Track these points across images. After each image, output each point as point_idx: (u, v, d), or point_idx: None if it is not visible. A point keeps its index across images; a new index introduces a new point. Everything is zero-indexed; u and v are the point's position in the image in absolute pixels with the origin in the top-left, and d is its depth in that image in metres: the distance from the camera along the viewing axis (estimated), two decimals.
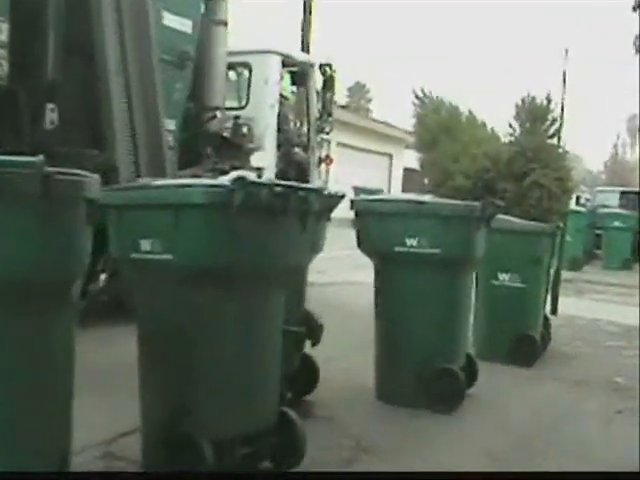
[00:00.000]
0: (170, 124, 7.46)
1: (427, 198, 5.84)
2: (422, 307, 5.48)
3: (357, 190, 21.75)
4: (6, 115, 5.98)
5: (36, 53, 6.25)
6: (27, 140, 6.03)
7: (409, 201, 5.67)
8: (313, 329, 5.07)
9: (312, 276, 5.55)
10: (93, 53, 6.48)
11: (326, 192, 4.18)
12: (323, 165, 12.07)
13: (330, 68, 11.13)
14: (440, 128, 20.73)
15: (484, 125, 21.88)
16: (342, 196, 4.30)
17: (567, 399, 6.09)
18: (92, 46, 6.46)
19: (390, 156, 38.38)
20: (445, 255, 5.38)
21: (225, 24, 8.82)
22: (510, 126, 20.48)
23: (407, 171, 36.83)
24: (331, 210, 4.15)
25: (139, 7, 6.67)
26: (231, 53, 9.17)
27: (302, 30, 19.20)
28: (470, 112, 21.89)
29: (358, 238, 5.68)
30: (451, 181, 19.22)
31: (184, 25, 7.74)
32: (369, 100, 53.43)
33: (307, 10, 19.27)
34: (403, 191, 34.01)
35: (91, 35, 6.43)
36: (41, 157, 2.72)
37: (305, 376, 5.24)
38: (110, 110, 6.40)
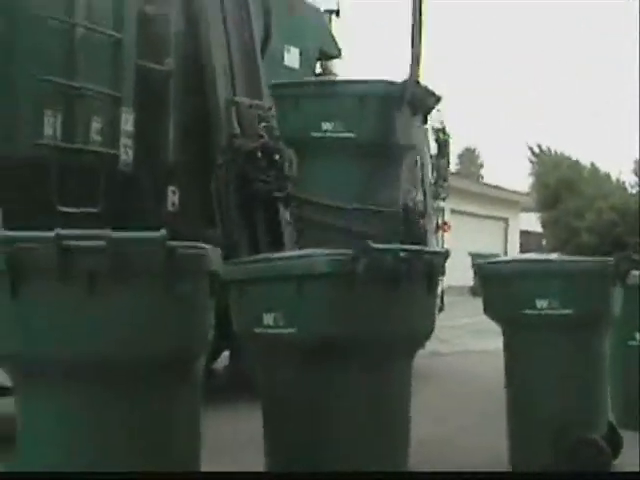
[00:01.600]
0: None
1: (555, 256, 5.64)
2: (556, 372, 5.22)
3: (473, 256, 21.43)
4: (130, 200, 6.15)
5: (158, 139, 6.43)
6: (151, 222, 6.16)
7: (536, 260, 5.48)
8: None
9: (435, 345, 5.41)
10: (210, 134, 6.62)
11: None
12: (440, 232, 11.93)
13: (444, 133, 11.06)
14: (561, 184, 20.04)
15: (608, 177, 21.05)
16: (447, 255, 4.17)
17: None
18: (209, 128, 6.61)
19: (505, 220, 37.82)
20: (578, 315, 5.14)
21: None
22: (636, 174, 19.75)
23: (524, 234, 36.16)
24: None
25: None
26: None
27: None
28: (592, 164, 21.17)
29: (484, 303, 5.51)
30: (576, 239, 18.55)
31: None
32: (480, 166, 53.08)
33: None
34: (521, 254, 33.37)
35: (208, 117, 6.58)
36: (164, 232, 2.73)
37: None
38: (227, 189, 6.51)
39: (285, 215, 6.60)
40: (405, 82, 5.81)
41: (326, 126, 6.14)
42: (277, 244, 6.52)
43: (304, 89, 6.59)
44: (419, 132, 6.47)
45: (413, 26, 6.14)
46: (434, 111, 9.72)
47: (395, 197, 6.58)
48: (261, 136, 6.42)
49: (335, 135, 6.04)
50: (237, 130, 6.52)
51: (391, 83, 6.04)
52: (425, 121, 7.05)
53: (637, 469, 4.02)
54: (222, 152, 6.51)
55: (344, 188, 6.27)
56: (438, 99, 6.94)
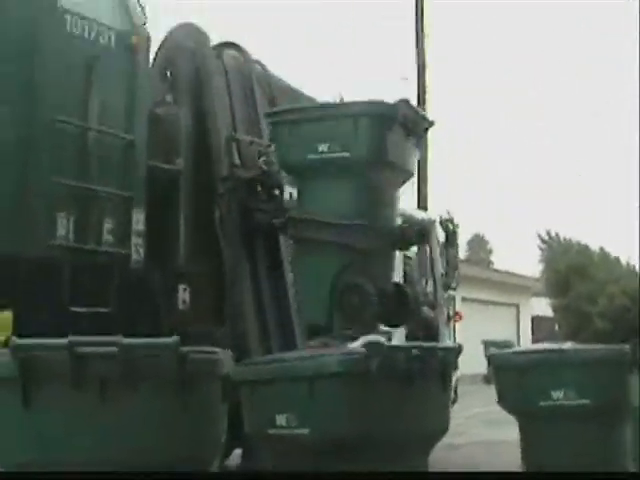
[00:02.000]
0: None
1: (569, 345, 5.61)
2: (575, 463, 5.13)
3: (487, 344, 21.21)
4: (142, 297, 6.17)
5: (169, 237, 6.50)
6: (162, 320, 6.18)
7: (550, 350, 5.45)
8: None
9: (451, 437, 5.32)
10: (219, 231, 6.69)
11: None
12: (451, 322, 11.87)
13: (452, 223, 11.10)
14: (571, 270, 19.93)
15: (618, 261, 20.94)
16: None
17: None
18: (218, 224, 6.68)
19: (516, 306, 37.64)
20: (596, 405, 5.08)
21: None
22: None
23: (536, 319, 35.93)
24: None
25: None
26: None
27: (418, 186, 19.46)
28: (602, 249, 21.11)
29: (498, 395, 5.45)
30: (589, 324, 18.36)
31: None
32: (490, 252, 53.12)
33: (422, 167, 19.55)
34: (533, 341, 33.11)
35: (216, 214, 6.66)
36: (176, 338, 2.74)
37: None
38: (239, 286, 6.53)
39: (284, 245, 6.75)
40: (397, 103, 6.02)
41: (322, 147, 6.33)
42: (277, 274, 6.69)
43: (299, 113, 6.77)
44: (413, 154, 6.68)
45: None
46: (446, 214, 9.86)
47: (390, 214, 6.72)
48: (260, 168, 6.69)
49: (331, 156, 6.22)
50: (238, 161, 6.73)
51: (383, 103, 6.24)
52: (418, 146, 7.29)
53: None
54: (223, 181, 6.66)
55: (341, 205, 6.42)
56: (431, 123, 7.20)
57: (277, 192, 6.75)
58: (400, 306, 7.21)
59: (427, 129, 7.20)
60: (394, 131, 6.15)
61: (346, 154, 5.97)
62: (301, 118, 6.41)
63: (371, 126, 6.02)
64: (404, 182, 6.99)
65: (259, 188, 6.73)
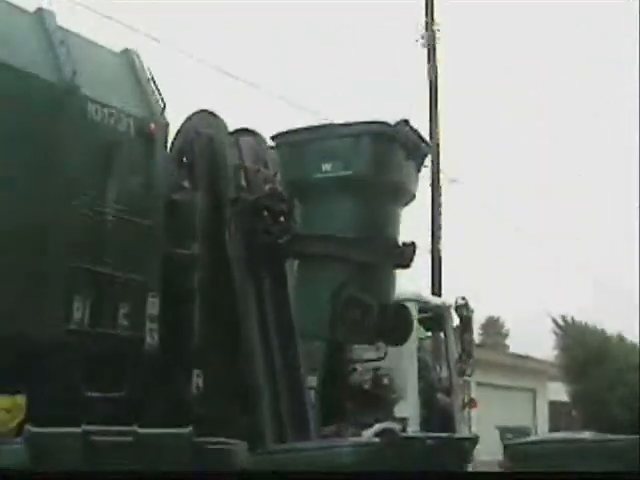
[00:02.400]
0: (311, 381, 7.46)
1: (587, 435, 5.53)
2: None
3: (502, 430, 20.87)
4: (155, 384, 6.14)
5: (183, 322, 6.51)
6: (176, 404, 6.15)
7: (568, 440, 5.37)
8: None
9: None
10: (235, 321, 6.68)
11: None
12: (467, 409, 11.71)
13: (467, 309, 11.04)
14: (588, 356, 19.74)
15: (634, 348, 20.74)
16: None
17: None
18: (233, 310, 6.67)
19: (533, 391, 37.12)
20: None
21: None
22: None
23: (553, 404, 35.38)
24: None
25: (279, 277, 6.94)
26: None
27: (432, 271, 19.46)
28: (619, 334, 20.91)
29: None
30: (607, 412, 18.09)
31: None
32: (505, 335, 52.63)
33: (435, 255, 19.61)
34: (551, 427, 32.56)
35: (234, 304, 6.66)
36: (190, 429, 2.72)
37: None
38: (253, 373, 6.49)
39: (289, 266, 6.78)
40: (398, 123, 6.23)
41: (325, 167, 6.56)
42: (281, 297, 6.72)
43: (303, 134, 6.94)
44: (414, 176, 6.85)
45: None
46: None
47: (392, 231, 6.82)
48: (266, 191, 6.76)
49: (334, 174, 6.44)
50: (244, 184, 6.78)
51: (385, 123, 6.45)
52: (419, 169, 7.46)
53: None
54: (231, 204, 6.68)
55: (344, 222, 6.55)
56: (430, 147, 7.51)
57: (282, 219, 6.78)
58: (401, 324, 7.21)
59: (426, 154, 7.41)
60: (395, 151, 6.43)
61: (348, 172, 6.22)
62: (305, 139, 6.66)
63: (372, 145, 6.35)
64: (406, 203, 7.11)
65: (265, 213, 6.75)
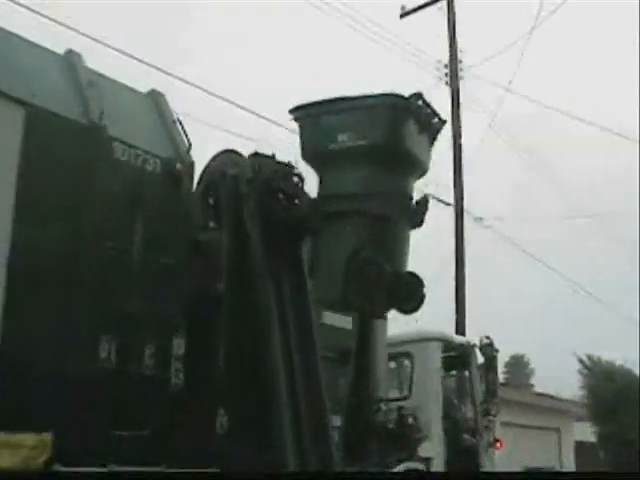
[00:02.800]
0: (335, 420, 7.43)
1: None
2: None
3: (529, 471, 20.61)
4: (180, 422, 6.14)
5: (208, 362, 6.52)
6: (200, 446, 6.14)
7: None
8: None
9: None
10: (259, 356, 6.69)
11: None
12: (492, 450, 11.58)
13: (492, 348, 10.98)
14: (615, 395, 19.52)
15: None
16: None
17: None
18: (258, 350, 6.68)
19: (558, 430, 36.66)
20: None
21: (385, 317, 8.94)
22: None
23: (579, 444, 34.89)
24: None
25: (302, 309, 6.94)
26: (392, 342, 9.23)
27: (456, 310, 19.38)
28: None
29: None
30: (634, 452, 17.83)
31: (344, 322, 7.93)
32: (530, 374, 52.06)
33: (459, 284, 19.50)
34: (577, 467, 32.09)
35: (257, 340, 6.68)
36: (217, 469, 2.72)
37: None
38: (278, 412, 6.48)
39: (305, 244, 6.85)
40: (412, 95, 6.49)
41: (342, 137, 6.81)
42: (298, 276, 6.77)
43: (320, 107, 7.15)
44: (427, 149, 7.08)
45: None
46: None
47: (406, 195, 6.93)
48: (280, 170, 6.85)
49: (350, 144, 6.70)
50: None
51: (399, 95, 6.71)
52: (432, 143, 7.65)
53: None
54: (248, 183, 6.76)
55: (359, 186, 6.68)
56: (444, 121, 7.69)
57: (297, 201, 6.84)
58: (414, 293, 7.21)
59: (439, 129, 7.55)
60: (408, 122, 6.63)
61: (364, 142, 6.45)
62: (322, 111, 6.87)
63: (387, 116, 6.60)
64: (419, 176, 7.22)
65: (280, 195, 6.79)
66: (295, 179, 7.01)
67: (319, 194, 7.04)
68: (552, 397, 35.42)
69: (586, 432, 22.91)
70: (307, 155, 7.07)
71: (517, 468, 20.38)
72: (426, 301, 8.06)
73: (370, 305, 7.36)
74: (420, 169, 7.39)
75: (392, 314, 8.84)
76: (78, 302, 5.76)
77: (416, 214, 7.19)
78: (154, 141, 6.62)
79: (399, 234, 7.26)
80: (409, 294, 6.93)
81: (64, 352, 5.59)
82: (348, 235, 6.75)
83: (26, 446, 5.02)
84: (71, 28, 12.03)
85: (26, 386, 5.23)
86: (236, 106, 15.99)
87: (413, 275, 6.97)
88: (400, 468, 3.92)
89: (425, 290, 6.92)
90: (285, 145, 8.04)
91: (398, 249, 7.15)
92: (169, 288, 6.31)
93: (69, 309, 5.72)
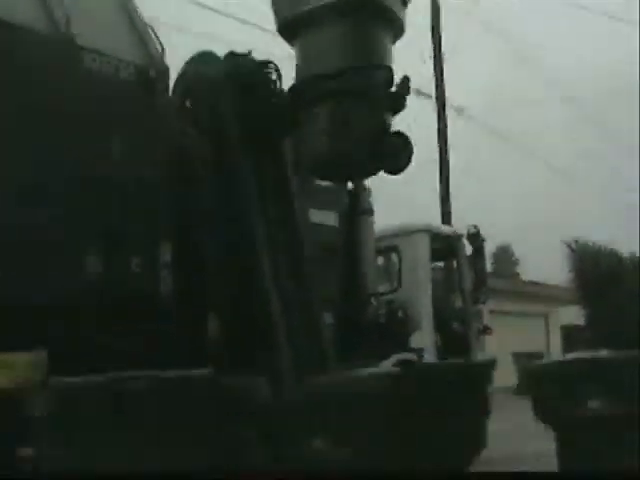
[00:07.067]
0: (327, 318, 7.48)
1: (604, 354, 5.50)
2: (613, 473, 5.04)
3: (517, 356, 21.02)
4: (171, 328, 6.16)
5: (196, 270, 6.51)
6: (194, 350, 6.17)
7: (584, 360, 5.38)
8: None
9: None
10: (246, 257, 6.69)
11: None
12: (482, 336, 11.81)
13: (479, 237, 11.04)
14: (604, 279, 19.57)
15: None
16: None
17: None
18: (245, 251, 6.69)
19: (545, 316, 37.32)
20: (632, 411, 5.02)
21: (370, 212, 8.95)
22: None
23: (565, 328, 35.57)
24: None
25: (286, 205, 6.98)
26: (378, 237, 9.25)
27: (441, 201, 19.44)
28: (632, 254, 20.79)
29: (533, 406, 5.41)
30: (622, 332, 18.04)
31: (330, 218, 7.93)
32: (516, 263, 52.67)
33: (444, 176, 19.53)
34: (564, 351, 32.80)
35: (243, 242, 6.66)
36: (210, 369, 2.74)
37: None
38: (269, 312, 6.50)
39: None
40: None
41: None
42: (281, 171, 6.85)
43: None
44: (400, 5, 6.94)
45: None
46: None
47: (387, 61, 6.90)
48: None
49: (321, 2, 6.59)
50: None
51: None
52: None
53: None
54: (224, 82, 6.76)
55: (339, 53, 6.68)
56: None
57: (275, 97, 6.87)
58: (401, 148, 7.15)
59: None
60: None
61: None
62: None
63: None
64: (395, 36, 7.06)
65: (259, 92, 6.84)
66: (273, 74, 6.91)
67: (297, 75, 6.79)
68: (538, 284, 35.95)
69: (572, 316, 23.24)
70: (281, 27, 6.82)
71: (506, 354, 20.75)
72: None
73: (356, 166, 7.22)
74: (396, 27, 7.08)
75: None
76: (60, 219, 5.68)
77: (402, 87, 6.94)
78: (126, 48, 6.43)
79: (383, 108, 7.00)
80: (395, 152, 6.74)
81: (51, 267, 5.56)
82: (331, 116, 6.56)
83: (21, 364, 5.02)
84: None
85: (12, 305, 5.20)
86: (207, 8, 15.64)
87: (399, 134, 6.74)
88: (392, 359, 3.97)
89: (413, 149, 6.67)
90: (262, 46, 7.84)
91: (378, 121, 6.88)
92: (153, 197, 6.25)
93: (52, 226, 5.65)
